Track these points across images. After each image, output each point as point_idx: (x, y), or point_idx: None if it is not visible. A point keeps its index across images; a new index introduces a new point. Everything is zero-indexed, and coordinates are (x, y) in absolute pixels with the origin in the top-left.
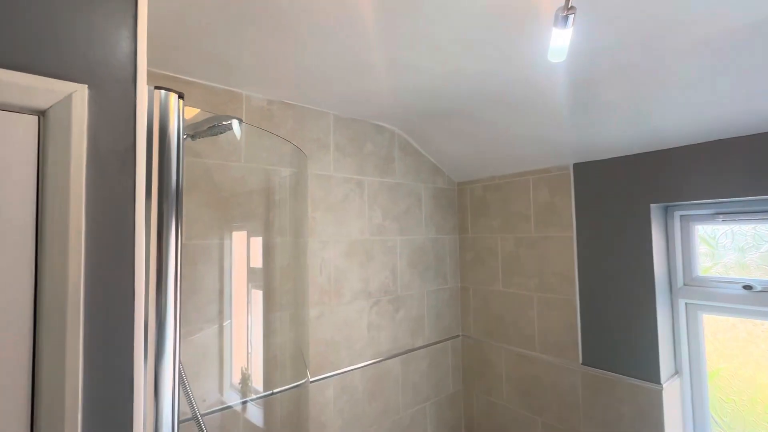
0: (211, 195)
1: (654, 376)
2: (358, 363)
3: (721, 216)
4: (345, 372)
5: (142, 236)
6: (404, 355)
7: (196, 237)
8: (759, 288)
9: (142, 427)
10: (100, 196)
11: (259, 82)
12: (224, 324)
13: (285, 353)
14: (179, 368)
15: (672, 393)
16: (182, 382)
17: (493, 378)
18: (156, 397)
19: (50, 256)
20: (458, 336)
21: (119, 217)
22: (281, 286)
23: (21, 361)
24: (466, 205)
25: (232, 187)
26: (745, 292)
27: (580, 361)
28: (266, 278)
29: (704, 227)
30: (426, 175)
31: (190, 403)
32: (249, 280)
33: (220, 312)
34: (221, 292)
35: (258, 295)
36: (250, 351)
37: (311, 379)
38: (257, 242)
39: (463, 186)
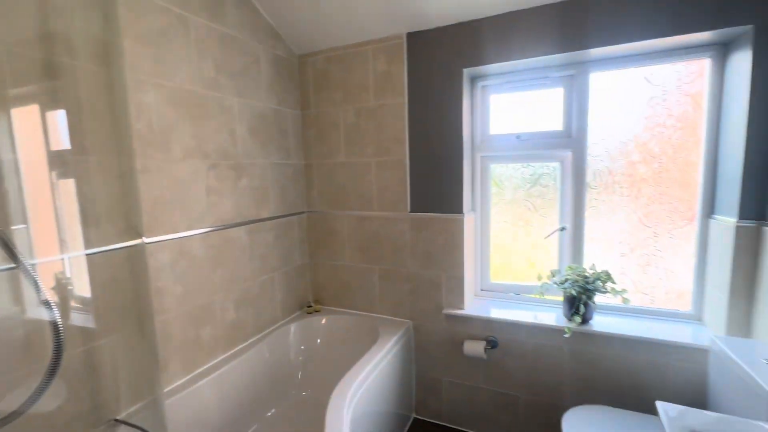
0: None
1: (458, 210)
2: (198, 228)
3: (507, 86)
4: (183, 237)
5: None
6: (249, 225)
7: None
8: (524, 137)
9: None
10: None
11: None
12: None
13: (106, 208)
14: None
15: (469, 221)
16: None
17: (336, 245)
18: None
19: None
20: (303, 213)
21: None
22: (90, 126)
23: None
24: (308, 80)
25: None
26: (516, 141)
27: (409, 210)
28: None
29: (496, 96)
30: (264, 36)
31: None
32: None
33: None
34: None
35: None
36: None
37: (144, 242)
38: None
39: (305, 59)
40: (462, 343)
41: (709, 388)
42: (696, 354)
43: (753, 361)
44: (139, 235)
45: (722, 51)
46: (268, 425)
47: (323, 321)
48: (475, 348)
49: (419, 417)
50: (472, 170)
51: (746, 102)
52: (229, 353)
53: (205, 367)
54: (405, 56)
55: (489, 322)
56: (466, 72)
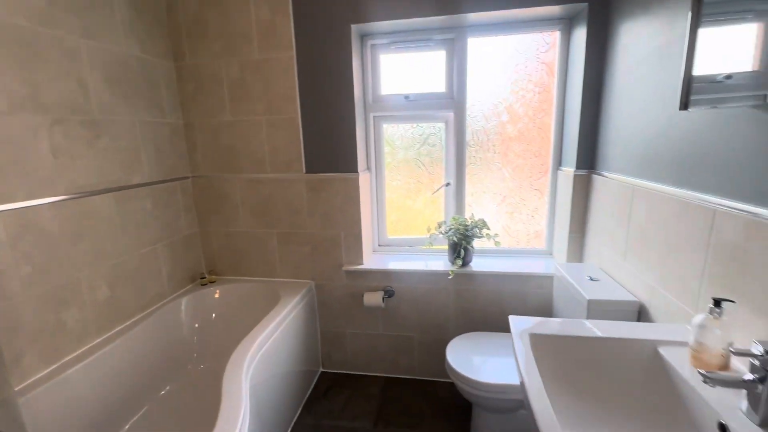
0: None
1: (353, 170)
2: (46, 196)
3: (394, 46)
4: (24, 207)
5: None
6: (118, 193)
7: None
8: (412, 98)
9: None
10: None
11: None
12: None
13: None
14: None
15: (364, 180)
16: None
17: (229, 210)
18: None
19: None
20: (188, 177)
21: None
22: None
23: None
24: (180, 25)
25: None
26: (405, 101)
27: (304, 170)
28: None
29: (385, 56)
30: None
31: None
32: None
33: None
34: None
35: None
36: None
37: None
38: None
39: None
40: (362, 296)
41: (554, 304)
42: (545, 281)
43: (579, 278)
44: None
45: (568, 25)
46: (163, 403)
47: (217, 292)
48: (373, 299)
49: (326, 370)
50: (365, 130)
51: (582, 71)
52: (105, 336)
53: (75, 354)
54: (290, 7)
55: (386, 274)
56: (355, 28)
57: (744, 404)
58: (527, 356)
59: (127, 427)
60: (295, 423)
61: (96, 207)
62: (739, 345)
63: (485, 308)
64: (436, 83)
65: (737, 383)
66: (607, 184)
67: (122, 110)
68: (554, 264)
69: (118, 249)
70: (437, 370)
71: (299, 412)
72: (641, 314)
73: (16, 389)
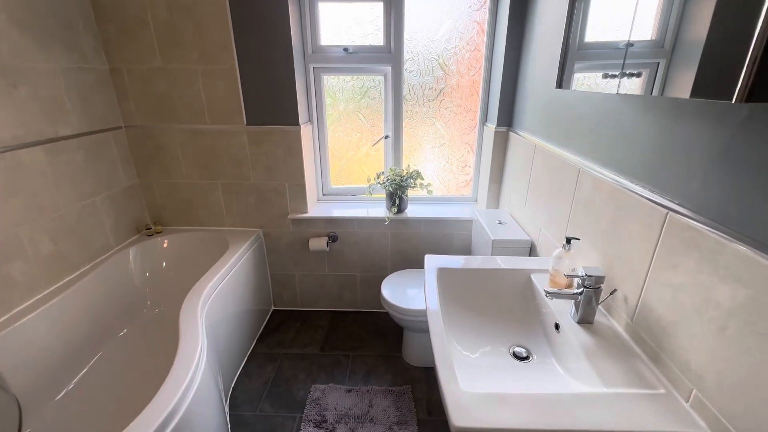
0: None
1: (295, 122)
2: None
3: None
4: None
5: None
6: (46, 145)
7: None
8: (351, 50)
9: None
10: None
11: None
12: None
13: None
14: None
15: (306, 132)
16: None
17: (170, 161)
18: None
19: None
20: (120, 127)
21: None
22: None
23: None
24: None
25: None
26: (345, 54)
27: (245, 122)
28: None
29: (324, 4)
30: None
31: None
32: None
33: None
34: None
35: None
36: None
37: None
38: None
39: None
40: (308, 241)
41: (472, 244)
42: (468, 224)
43: (491, 222)
44: None
45: None
46: (119, 346)
47: (165, 242)
48: (318, 244)
49: (277, 308)
50: (306, 81)
51: (505, 32)
52: (55, 287)
53: (24, 305)
54: None
55: (330, 221)
56: None
57: (573, 310)
58: (432, 285)
59: (85, 370)
60: (250, 354)
61: (24, 161)
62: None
63: (417, 248)
64: (375, 36)
65: (568, 296)
66: (519, 141)
67: (38, 56)
68: (474, 210)
69: (56, 203)
70: (376, 303)
71: (254, 344)
72: (532, 250)
73: None
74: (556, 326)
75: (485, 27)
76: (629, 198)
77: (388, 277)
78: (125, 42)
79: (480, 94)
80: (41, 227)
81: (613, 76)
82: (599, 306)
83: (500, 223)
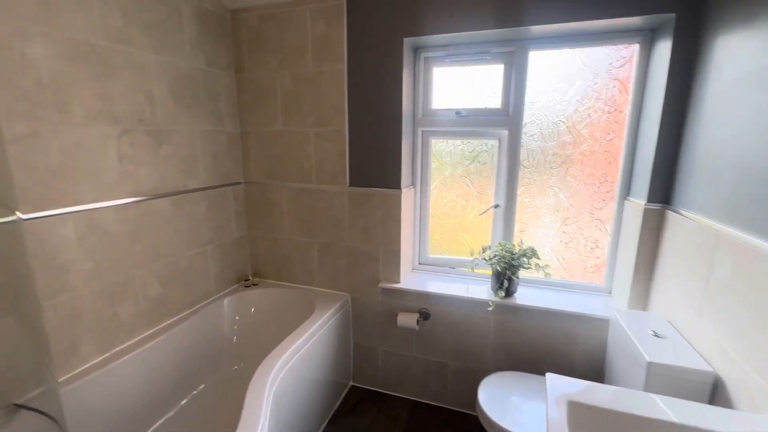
0: None
1: (396, 185)
2: (110, 200)
3: (448, 59)
4: (90, 209)
5: None
6: (176, 197)
7: None
8: (464, 113)
9: None
10: None
11: None
12: None
13: None
14: None
15: (407, 197)
16: None
17: (275, 217)
18: None
19: None
20: (240, 183)
21: None
22: None
23: None
24: (242, 39)
25: None
26: (456, 117)
27: (348, 184)
28: None
29: (439, 69)
30: None
31: None
32: None
33: None
34: None
35: None
36: None
37: (37, 215)
38: None
39: (238, 15)
40: (396, 315)
41: (607, 356)
42: (601, 324)
43: (641, 331)
44: (12, 211)
45: (650, 37)
46: (197, 400)
47: (258, 294)
48: (407, 320)
49: (356, 384)
50: (413, 144)
51: (663, 89)
52: (154, 329)
53: (126, 345)
54: (345, 19)
55: (423, 296)
56: (408, 41)
57: None
58: (559, 428)
59: (160, 422)
60: None
61: (154, 210)
62: None
63: (529, 345)
64: (491, 98)
65: None
66: (685, 224)
67: (184, 120)
68: (613, 307)
69: (172, 249)
70: (468, 402)
71: (325, 423)
72: (716, 389)
73: (73, 373)
74: None
75: (630, 85)
76: None
77: (488, 377)
78: (256, 109)
79: (621, 162)
80: (155, 271)
81: None
82: None
83: (656, 335)
